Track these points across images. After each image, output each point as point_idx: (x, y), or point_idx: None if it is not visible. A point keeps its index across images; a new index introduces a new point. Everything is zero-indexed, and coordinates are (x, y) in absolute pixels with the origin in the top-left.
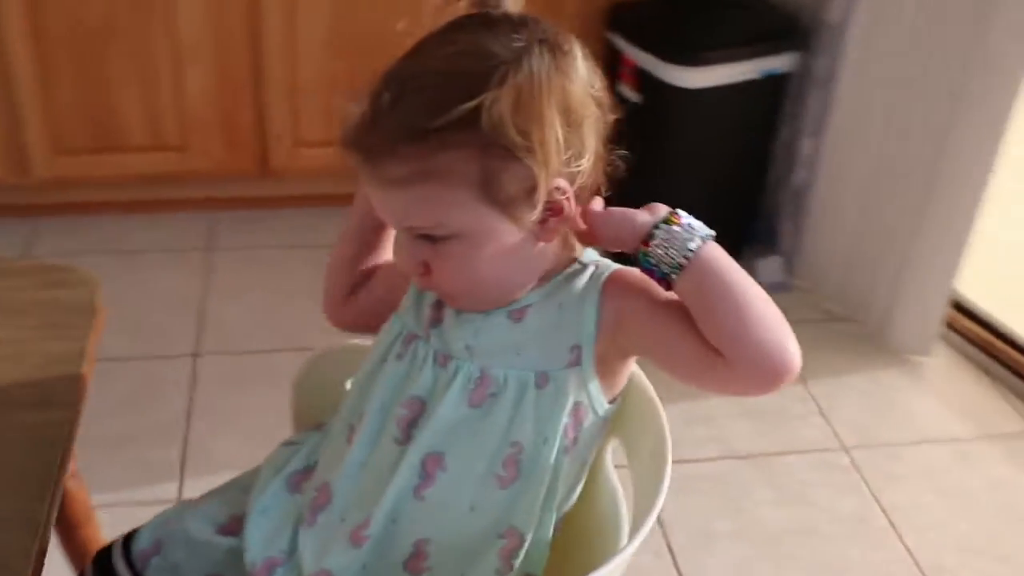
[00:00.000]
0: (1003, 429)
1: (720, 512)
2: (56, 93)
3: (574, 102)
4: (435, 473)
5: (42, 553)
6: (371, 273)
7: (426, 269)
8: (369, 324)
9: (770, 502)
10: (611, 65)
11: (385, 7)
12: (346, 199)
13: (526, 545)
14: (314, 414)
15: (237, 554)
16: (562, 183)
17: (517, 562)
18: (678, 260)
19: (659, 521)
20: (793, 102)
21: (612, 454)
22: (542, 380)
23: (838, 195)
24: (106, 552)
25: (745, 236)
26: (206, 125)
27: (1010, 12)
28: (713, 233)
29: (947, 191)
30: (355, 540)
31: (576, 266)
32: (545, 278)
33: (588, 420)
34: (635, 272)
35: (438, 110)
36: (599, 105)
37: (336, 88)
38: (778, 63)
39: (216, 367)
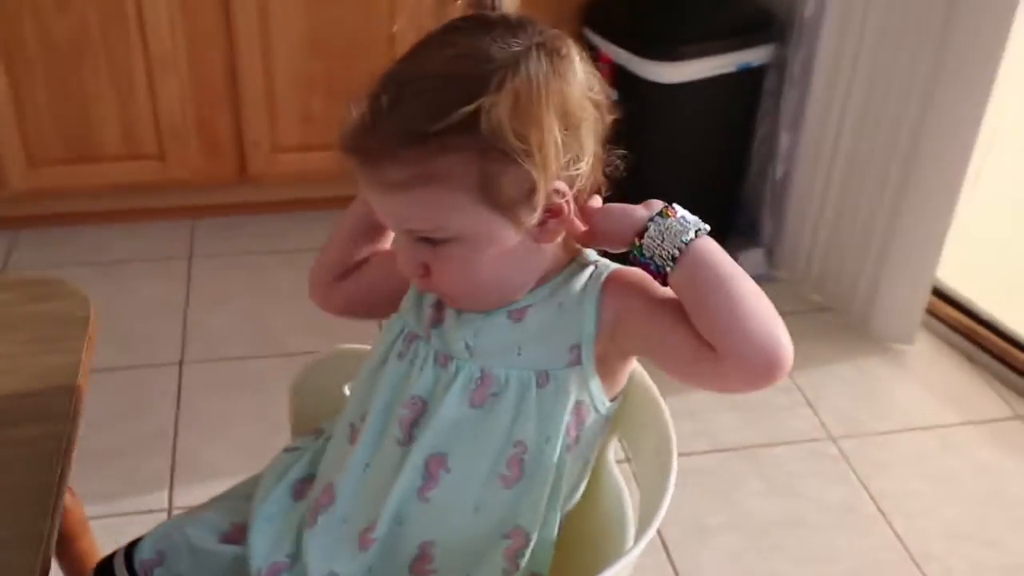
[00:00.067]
0: (987, 414)
1: (712, 505)
2: (30, 105)
3: (572, 106)
4: (438, 474)
5: (45, 570)
6: (364, 261)
7: (426, 271)
8: (358, 311)
9: (760, 493)
10: None
11: (358, 8)
12: (325, 203)
13: (531, 545)
14: (312, 419)
15: (241, 562)
16: (561, 186)
17: (523, 562)
18: (672, 252)
19: None
20: (770, 95)
21: (613, 451)
22: (543, 379)
23: (817, 187)
24: (107, 564)
25: (726, 229)
26: (183, 133)
27: (979, 4)
28: (708, 227)
29: (924, 181)
30: (362, 543)
31: (575, 266)
32: (545, 278)
33: (590, 418)
34: (634, 272)
35: (437, 114)
36: (597, 107)
37: (312, 91)
38: (754, 56)
39: (202, 375)
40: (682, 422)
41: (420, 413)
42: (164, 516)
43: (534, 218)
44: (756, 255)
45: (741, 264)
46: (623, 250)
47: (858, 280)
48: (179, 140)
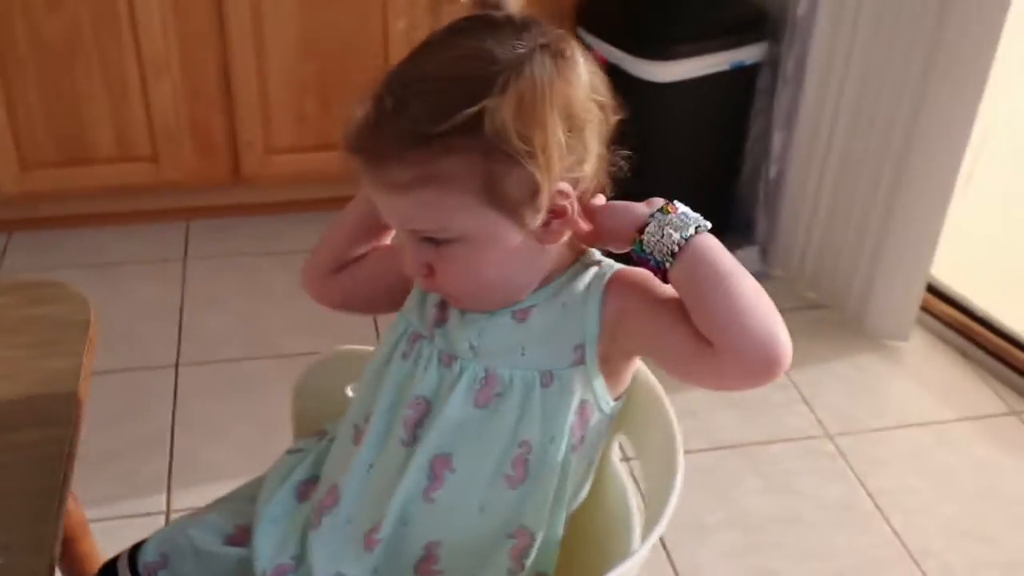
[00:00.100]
0: (983, 411)
1: (710, 503)
2: (22, 107)
3: (576, 107)
4: (443, 474)
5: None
6: (363, 256)
7: (430, 271)
8: (357, 305)
9: (758, 491)
10: None
11: (351, 9)
12: (319, 204)
13: (537, 544)
14: (314, 421)
15: (246, 564)
16: (565, 187)
17: (528, 561)
18: (671, 248)
19: None
20: (763, 93)
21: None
22: (547, 379)
23: (811, 184)
24: (111, 567)
25: (721, 227)
26: (176, 134)
27: (971, 3)
28: (708, 224)
29: (917, 178)
30: (367, 544)
31: (580, 266)
32: (549, 278)
33: (594, 418)
34: (637, 272)
35: (441, 115)
36: (601, 108)
37: (306, 93)
38: (747, 55)
39: (197, 376)
40: (680, 420)
41: (424, 413)
42: (163, 518)
43: (538, 219)
44: (750, 253)
45: None
46: (625, 249)
47: (853, 277)
48: (172, 141)
